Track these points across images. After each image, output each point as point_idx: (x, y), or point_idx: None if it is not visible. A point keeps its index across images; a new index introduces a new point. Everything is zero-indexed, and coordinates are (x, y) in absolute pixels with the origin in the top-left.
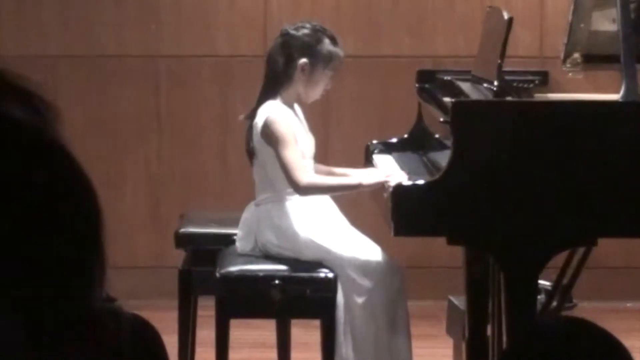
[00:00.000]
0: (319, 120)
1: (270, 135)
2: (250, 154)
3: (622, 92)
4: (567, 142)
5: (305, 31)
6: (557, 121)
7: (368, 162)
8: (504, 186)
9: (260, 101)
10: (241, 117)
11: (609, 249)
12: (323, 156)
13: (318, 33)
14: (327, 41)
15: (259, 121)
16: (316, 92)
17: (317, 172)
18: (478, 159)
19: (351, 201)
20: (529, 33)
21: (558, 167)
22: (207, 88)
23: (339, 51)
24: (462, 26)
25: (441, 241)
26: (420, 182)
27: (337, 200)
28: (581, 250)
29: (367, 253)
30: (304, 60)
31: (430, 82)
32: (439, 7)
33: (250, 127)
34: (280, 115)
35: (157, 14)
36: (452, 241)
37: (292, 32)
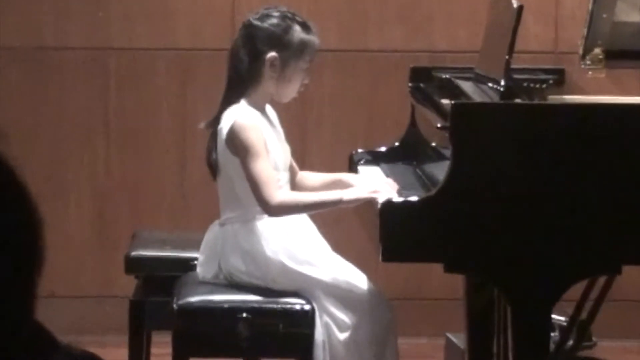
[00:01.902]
0: (295, 125)
1: (236, 145)
2: (214, 166)
3: None
4: (587, 152)
5: (272, 20)
6: (575, 128)
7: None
8: (511, 204)
9: (224, 105)
10: (202, 124)
11: (635, 279)
12: (299, 167)
13: (287, 20)
14: (297, 28)
15: (223, 128)
16: (291, 90)
17: (303, 181)
18: (481, 172)
19: (332, 220)
20: (542, 24)
21: (576, 182)
22: (164, 87)
23: (312, 39)
24: (464, 16)
25: (437, 268)
26: (413, 198)
27: (315, 219)
28: (602, 280)
29: (350, 282)
30: (272, 54)
31: (425, 81)
32: None
33: (214, 135)
34: (248, 121)
35: None
36: (450, 269)
37: (256, 22)
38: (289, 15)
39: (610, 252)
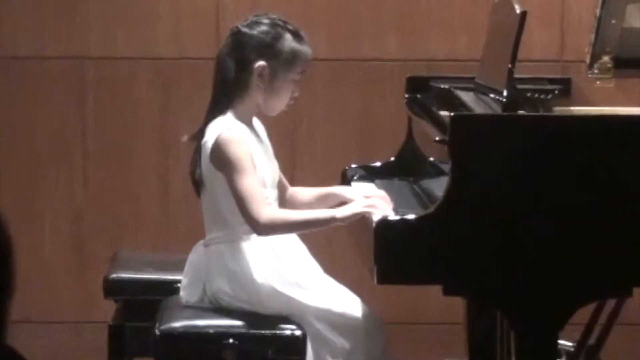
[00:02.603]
0: (284, 139)
1: (221, 159)
2: (198, 182)
3: None
4: (595, 168)
5: (262, 27)
6: (582, 141)
7: None
8: (515, 222)
9: (209, 117)
10: (185, 137)
11: None
12: (289, 184)
13: (277, 28)
14: (288, 37)
15: (207, 141)
16: (280, 102)
17: (294, 198)
18: (483, 188)
19: (324, 240)
20: (547, 30)
21: (583, 199)
22: (145, 98)
23: (304, 48)
24: (463, 22)
25: (436, 291)
26: (410, 216)
27: (306, 239)
28: (611, 303)
29: (343, 305)
30: (261, 63)
31: (423, 92)
32: None
33: (198, 149)
34: (234, 134)
35: (83, 5)
36: (449, 291)
37: (245, 29)
38: (279, 23)
39: (620, 274)
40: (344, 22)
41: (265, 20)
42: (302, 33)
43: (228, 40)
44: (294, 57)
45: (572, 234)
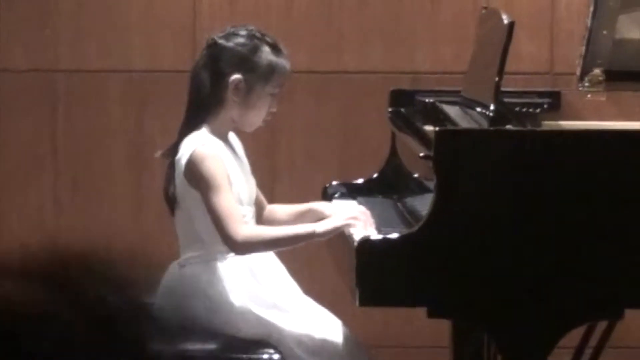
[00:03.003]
0: (263, 155)
1: (196, 176)
2: (172, 200)
3: None
4: (586, 184)
5: (239, 39)
6: (572, 157)
7: None
8: (502, 241)
9: (184, 132)
10: (159, 153)
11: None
12: (268, 202)
13: (254, 40)
14: (266, 49)
15: (181, 158)
16: (256, 117)
17: (272, 215)
18: (469, 206)
19: (303, 259)
20: (536, 42)
21: (573, 216)
22: (117, 112)
23: (282, 62)
24: (449, 33)
25: (421, 313)
26: (393, 235)
27: (284, 258)
28: (603, 325)
29: (323, 329)
30: (237, 76)
31: (407, 106)
32: (419, 8)
33: (172, 166)
34: (209, 150)
35: (52, 16)
36: (434, 313)
37: (221, 41)
38: (257, 35)
39: (611, 295)
40: (325, 32)
41: (243, 32)
42: (281, 45)
43: (204, 52)
44: (271, 71)
45: (562, 254)
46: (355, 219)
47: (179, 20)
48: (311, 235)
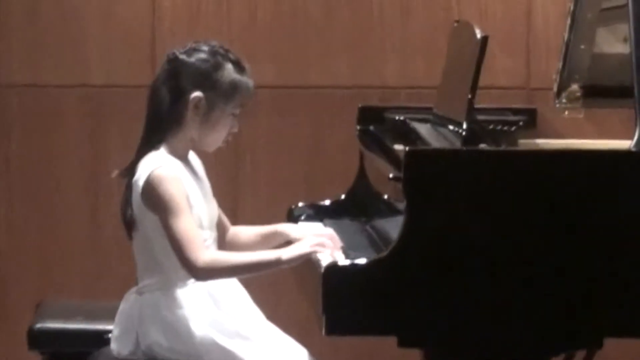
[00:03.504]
0: (225, 175)
1: (154, 200)
2: (129, 223)
3: (635, 137)
4: (563, 206)
5: (200, 55)
6: (549, 178)
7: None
8: (477, 267)
9: (141, 151)
10: (115, 173)
11: (618, 353)
12: (231, 224)
13: (217, 57)
14: (229, 67)
15: (139, 180)
16: (216, 138)
17: (236, 238)
18: (441, 230)
19: (267, 284)
20: (511, 56)
21: (550, 241)
22: (73, 129)
23: (245, 80)
24: (420, 46)
25: (391, 342)
26: (362, 261)
27: (247, 283)
28: (581, 355)
29: (289, 358)
30: (197, 94)
31: (376, 123)
32: (388, 20)
33: (129, 187)
34: (168, 172)
35: (4, 29)
36: (405, 343)
37: (182, 56)
38: (220, 51)
39: (590, 323)
40: (290, 45)
41: (205, 48)
42: (245, 63)
43: (164, 67)
44: (233, 90)
45: (538, 279)
46: (322, 245)
47: (137, 34)
48: (276, 263)
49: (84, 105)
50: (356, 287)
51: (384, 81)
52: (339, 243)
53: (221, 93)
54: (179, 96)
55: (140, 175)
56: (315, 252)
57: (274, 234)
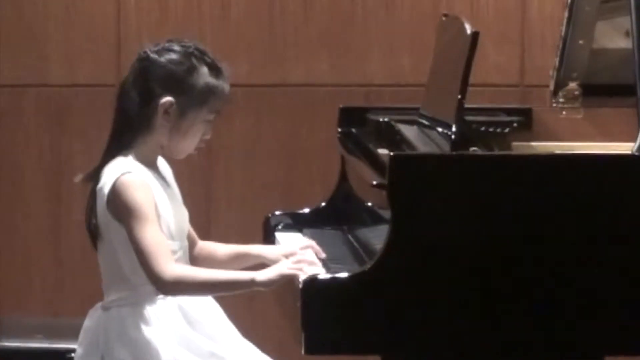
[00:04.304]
0: (197, 181)
1: (119, 207)
2: (94, 233)
3: (638, 140)
4: (559, 214)
5: (172, 56)
6: (545, 184)
7: (268, 242)
8: (467, 280)
9: (107, 156)
10: (78, 177)
11: None
12: (202, 236)
13: (191, 59)
14: (203, 70)
15: (104, 187)
16: (187, 145)
17: (203, 254)
18: (428, 240)
19: (243, 299)
20: (504, 51)
21: (546, 251)
22: (33, 131)
23: (221, 85)
24: (406, 41)
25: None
26: (343, 275)
27: (222, 300)
28: None
29: None
30: (168, 98)
31: (359, 125)
32: (371, 13)
33: (93, 194)
34: (134, 178)
35: None
36: None
37: (153, 56)
38: (195, 52)
39: (589, 339)
40: (265, 40)
41: (178, 48)
42: (222, 66)
43: (134, 66)
44: (208, 95)
45: (537, 294)
46: (300, 269)
47: (101, 29)
48: (250, 284)
49: (44, 106)
50: (337, 303)
51: (368, 79)
52: (321, 254)
53: (194, 98)
54: (148, 99)
55: (106, 182)
56: (291, 275)
57: (247, 256)
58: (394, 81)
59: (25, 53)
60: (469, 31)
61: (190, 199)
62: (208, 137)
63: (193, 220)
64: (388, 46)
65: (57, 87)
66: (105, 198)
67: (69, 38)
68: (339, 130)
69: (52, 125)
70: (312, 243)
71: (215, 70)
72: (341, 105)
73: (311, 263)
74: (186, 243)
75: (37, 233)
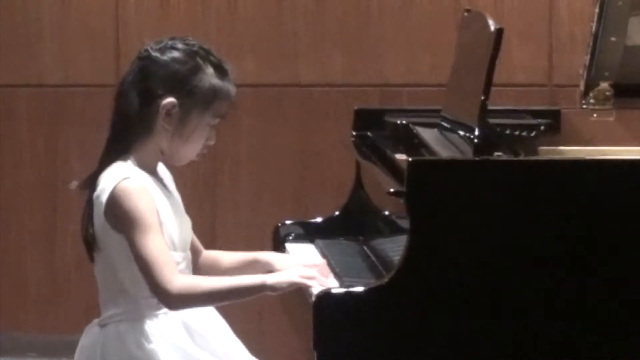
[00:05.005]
0: (201, 187)
1: (119, 217)
2: (90, 243)
3: None
4: (591, 224)
5: (176, 54)
6: (575, 191)
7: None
8: (491, 294)
9: (105, 162)
10: (73, 184)
11: None
12: (207, 246)
13: (196, 58)
14: (209, 71)
15: (102, 194)
16: (189, 151)
17: (208, 263)
18: (449, 252)
19: (251, 313)
20: (531, 49)
21: (577, 264)
22: (26, 134)
23: (227, 87)
24: (425, 39)
25: None
26: (359, 289)
27: (227, 313)
28: None
29: None
30: (170, 100)
31: (375, 128)
32: (387, 8)
33: (90, 202)
34: (135, 184)
35: None
36: None
37: (155, 54)
38: (200, 52)
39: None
40: (275, 39)
41: (182, 46)
42: (227, 66)
43: (134, 64)
44: (212, 97)
45: (566, 307)
46: (312, 277)
47: (98, 27)
48: (261, 288)
49: (38, 107)
50: (352, 319)
51: (384, 78)
52: (330, 276)
53: (198, 100)
54: (149, 100)
55: (104, 189)
56: (303, 284)
57: (254, 263)
58: (412, 81)
59: (20, 51)
60: (492, 27)
61: (194, 207)
62: (212, 142)
63: (196, 231)
64: (406, 43)
65: (51, 87)
66: (103, 206)
67: (64, 34)
68: (354, 133)
69: (46, 128)
70: (324, 263)
71: (221, 70)
72: (356, 107)
73: (324, 273)
74: (190, 254)
75: (31, 244)
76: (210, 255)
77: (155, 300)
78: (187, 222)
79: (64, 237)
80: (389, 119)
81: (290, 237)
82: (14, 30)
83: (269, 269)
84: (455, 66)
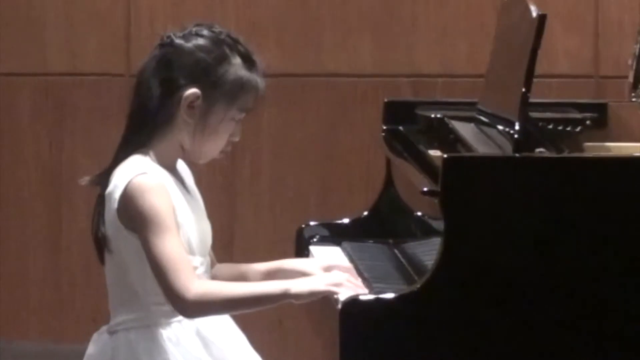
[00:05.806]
0: (218, 186)
1: (133, 215)
2: (101, 243)
3: None
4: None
5: (201, 42)
6: (624, 190)
7: (301, 257)
8: (530, 302)
9: (120, 155)
10: (84, 179)
11: None
12: (225, 249)
13: (223, 47)
14: (236, 61)
15: (114, 191)
16: (212, 147)
17: (220, 276)
18: (487, 256)
19: (271, 321)
20: (576, 37)
21: (629, 270)
22: (30, 125)
23: (255, 79)
24: (461, 26)
25: None
26: (389, 295)
27: (246, 323)
28: None
29: None
30: (193, 90)
31: (406, 122)
32: None
33: (101, 200)
34: (151, 181)
35: None
36: None
37: (179, 41)
38: (228, 40)
39: None
40: (300, 26)
41: (208, 34)
42: (256, 58)
43: (155, 53)
44: (239, 89)
45: (612, 317)
46: (340, 285)
47: (107, 12)
48: (283, 296)
49: (43, 97)
50: (381, 327)
51: (416, 69)
52: (358, 281)
53: (223, 92)
54: (170, 91)
55: (117, 185)
56: (330, 292)
57: (279, 272)
58: (447, 71)
59: (21, 38)
60: (534, 13)
61: (211, 207)
62: (236, 139)
63: (213, 233)
64: (440, 31)
65: (56, 76)
66: (115, 205)
67: (70, 18)
68: (384, 127)
69: (51, 119)
70: (352, 269)
71: (248, 61)
72: (386, 99)
73: (352, 281)
74: (208, 259)
75: (35, 245)
76: (226, 269)
77: (169, 307)
78: (208, 226)
79: (69, 237)
80: (421, 112)
81: (315, 240)
82: (16, 14)
83: (294, 276)
84: (494, 54)
